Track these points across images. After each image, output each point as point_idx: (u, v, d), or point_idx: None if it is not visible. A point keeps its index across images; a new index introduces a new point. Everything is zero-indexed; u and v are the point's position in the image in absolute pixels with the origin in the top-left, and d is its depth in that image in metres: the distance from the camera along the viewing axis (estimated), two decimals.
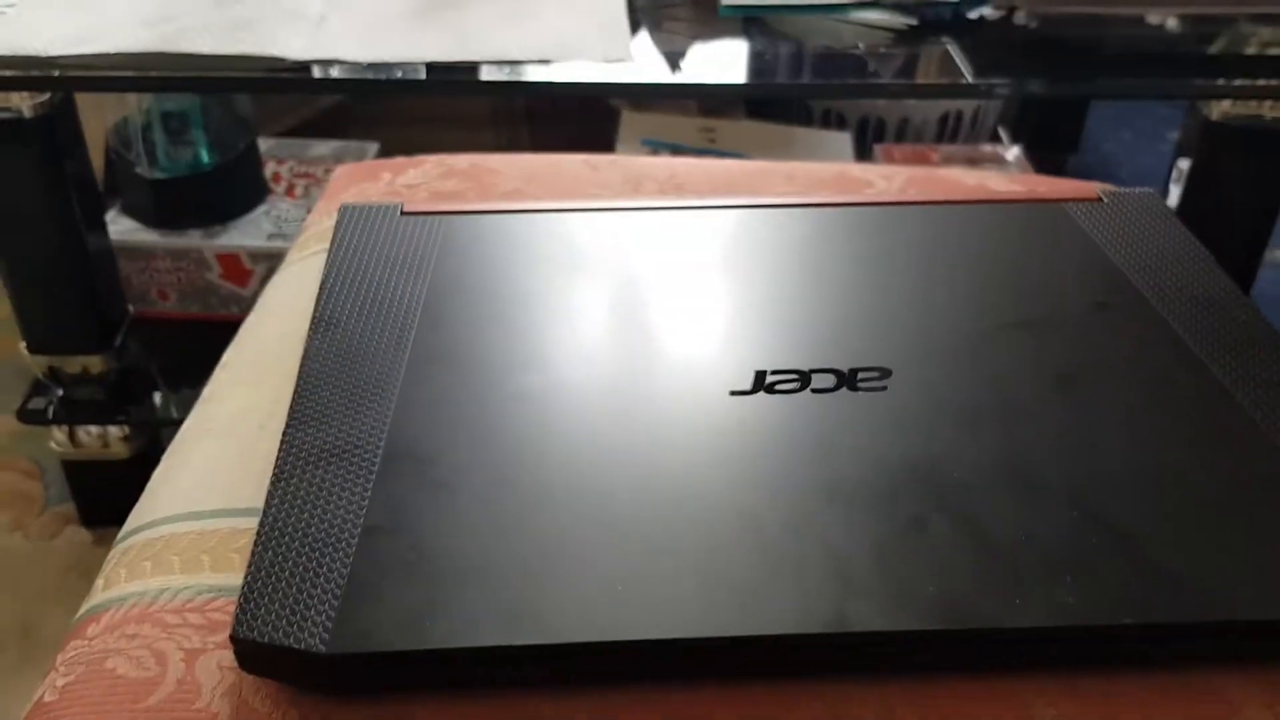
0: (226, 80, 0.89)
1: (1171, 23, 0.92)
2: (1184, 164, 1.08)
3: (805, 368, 0.45)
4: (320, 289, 0.49)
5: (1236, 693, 0.36)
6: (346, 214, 0.54)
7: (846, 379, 0.44)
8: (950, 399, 0.44)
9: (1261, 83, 0.85)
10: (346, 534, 0.38)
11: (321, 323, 0.47)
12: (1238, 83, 0.86)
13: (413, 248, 0.52)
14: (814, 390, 0.44)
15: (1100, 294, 0.50)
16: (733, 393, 0.44)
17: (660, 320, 0.48)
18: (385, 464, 0.40)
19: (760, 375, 0.44)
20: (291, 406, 0.43)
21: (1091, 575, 0.36)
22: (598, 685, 0.36)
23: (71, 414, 0.99)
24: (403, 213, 0.54)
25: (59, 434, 1.01)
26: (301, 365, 0.45)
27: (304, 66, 0.80)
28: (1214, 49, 0.90)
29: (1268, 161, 0.95)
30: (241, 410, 0.49)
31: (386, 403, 0.43)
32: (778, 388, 0.44)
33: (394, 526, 0.38)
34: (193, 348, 1.15)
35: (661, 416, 0.43)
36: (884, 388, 0.44)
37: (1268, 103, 0.93)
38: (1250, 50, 0.89)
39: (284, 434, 0.42)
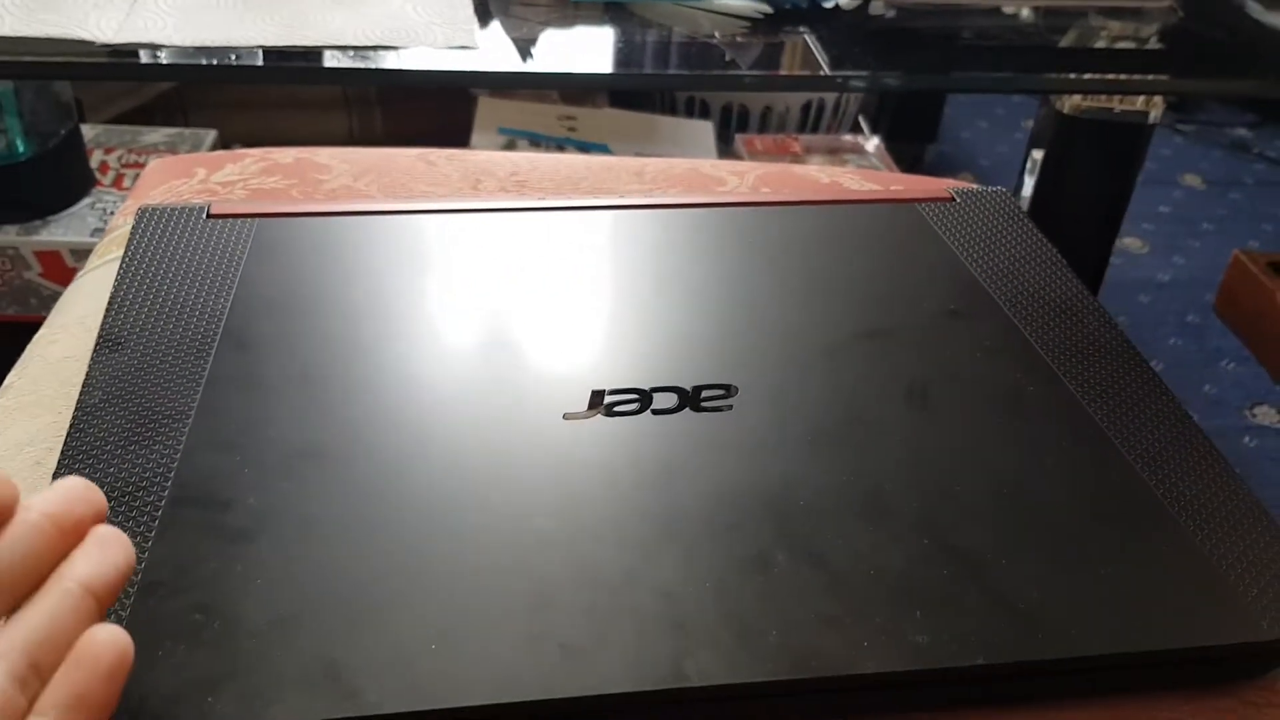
0: (33, 66, 0.81)
1: (1025, 14, 0.92)
2: (1038, 154, 1.09)
3: (646, 386, 0.42)
4: (109, 303, 0.44)
5: None
6: (145, 216, 0.49)
7: (689, 398, 0.41)
8: (798, 418, 0.41)
9: (1110, 77, 0.86)
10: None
11: (106, 342, 0.42)
12: (1088, 78, 0.86)
13: (218, 255, 0.47)
14: (654, 411, 0.41)
15: (952, 300, 0.48)
16: (567, 416, 0.40)
17: (489, 336, 0.44)
18: (170, 509, 0.35)
19: (597, 395, 0.41)
20: (66, 440, 0.38)
21: (943, 611, 0.34)
22: None
23: None
24: (209, 215, 0.49)
25: None
26: (81, 392, 0.40)
27: (123, 50, 0.73)
28: (1065, 42, 0.91)
29: (1118, 153, 0.96)
30: (17, 444, 0.43)
31: (175, 437, 0.38)
32: (616, 409, 0.41)
33: (177, 583, 0.33)
34: (10, 353, 1.07)
35: (487, 446, 0.39)
36: (729, 407, 0.41)
37: (1117, 97, 0.94)
38: (1100, 44, 0.90)
39: (55, 473, 0.37)
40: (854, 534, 0.36)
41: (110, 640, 0.27)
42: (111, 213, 1.01)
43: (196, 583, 0.33)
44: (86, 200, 1.03)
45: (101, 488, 0.36)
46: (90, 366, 0.41)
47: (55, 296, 1.01)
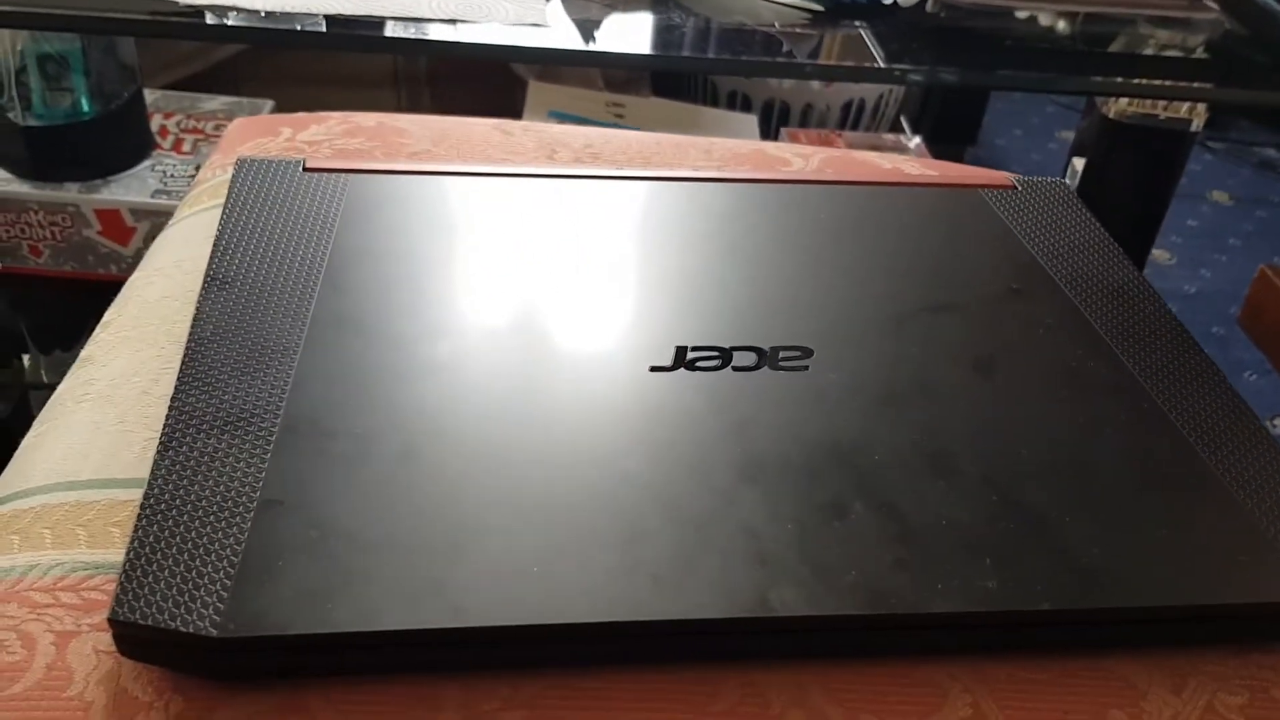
0: (111, 21, 0.84)
1: (1075, 19, 0.94)
2: (1079, 163, 1.10)
3: (726, 345, 0.44)
4: (214, 245, 0.46)
5: (1142, 678, 0.37)
6: (244, 167, 0.51)
7: (768, 357, 0.43)
8: (871, 381, 0.43)
9: (1158, 83, 0.88)
10: (241, 507, 0.35)
11: (215, 281, 0.44)
12: (1136, 82, 0.88)
13: (315, 206, 0.49)
14: (735, 368, 0.43)
15: (1014, 280, 0.50)
16: (653, 368, 0.42)
17: (578, 291, 0.46)
18: (284, 434, 0.38)
19: (681, 351, 0.43)
20: (181, 369, 0.40)
21: (1009, 560, 0.36)
22: (510, 670, 0.34)
23: None
24: (305, 169, 0.51)
25: None
26: (193, 325, 0.42)
27: (195, 12, 0.76)
28: (1114, 47, 0.92)
29: (1159, 160, 0.98)
30: (124, 373, 0.46)
31: (286, 368, 0.40)
32: (699, 364, 0.43)
33: (293, 501, 0.36)
34: (67, 308, 1.09)
35: (580, 390, 0.41)
36: (805, 367, 0.43)
37: (1162, 103, 0.96)
38: (1149, 50, 0.92)
39: (173, 398, 0.39)
40: (925, 488, 0.39)
41: None
42: (172, 175, 1.03)
43: (311, 502, 0.36)
44: (147, 162, 1.05)
45: (218, 414, 0.39)
46: (200, 303, 0.43)
47: (112, 255, 1.04)
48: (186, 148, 1.09)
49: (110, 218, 1.01)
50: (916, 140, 1.27)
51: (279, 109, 1.20)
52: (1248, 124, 1.90)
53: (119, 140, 1.04)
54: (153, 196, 1.01)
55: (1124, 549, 0.37)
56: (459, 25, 0.78)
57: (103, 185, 1.02)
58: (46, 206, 1.01)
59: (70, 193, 1.01)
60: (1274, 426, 1.26)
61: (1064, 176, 1.14)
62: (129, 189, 1.02)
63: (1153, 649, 0.38)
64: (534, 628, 0.33)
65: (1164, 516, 0.39)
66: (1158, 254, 1.55)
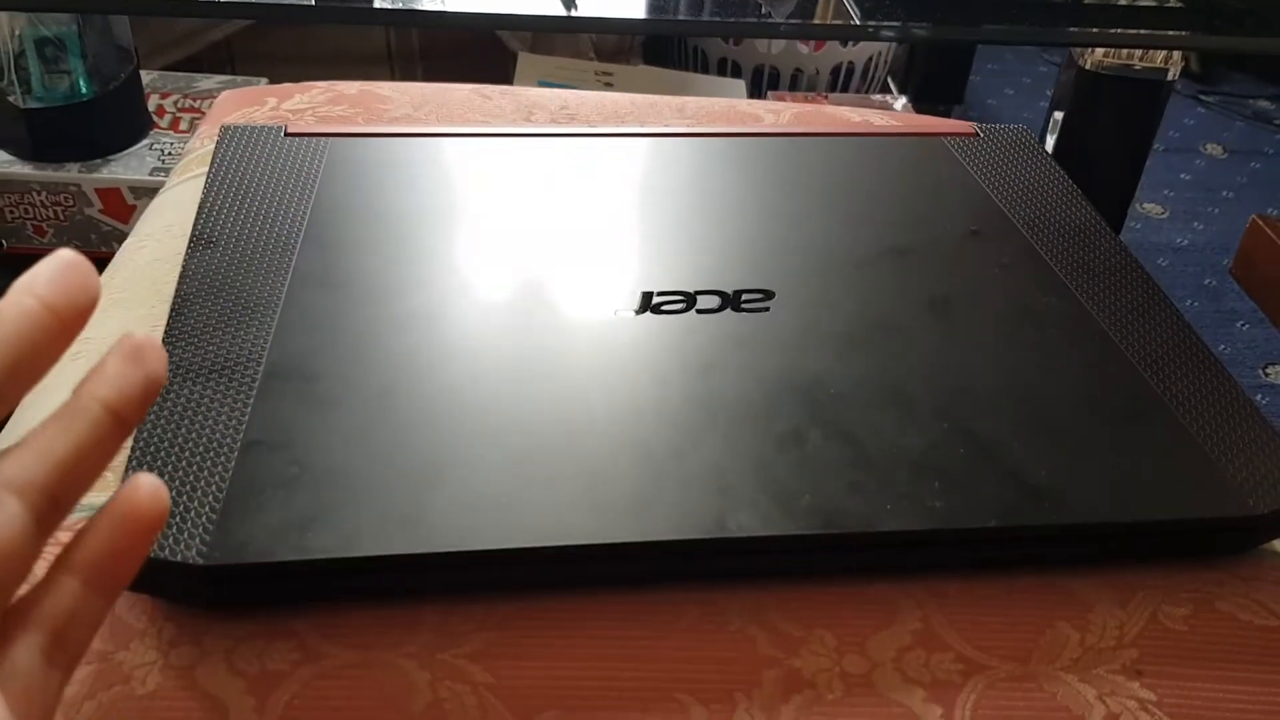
0: (104, 0, 0.86)
1: None
2: (1059, 116, 1.11)
3: (691, 289, 0.45)
4: (199, 208, 0.48)
5: (1089, 593, 0.39)
6: (228, 134, 0.53)
7: (730, 300, 0.45)
8: (829, 320, 0.45)
9: (1133, 32, 0.89)
10: (225, 448, 0.37)
11: (200, 241, 0.46)
12: (1114, 31, 0.89)
13: (296, 169, 0.51)
14: (699, 311, 0.45)
15: (973, 222, 0.51)
16: (618, 312, 0.44)
17: (550, 242, 0.48)
18: (266, 381, 0.40)
19: (647, 296, 0.45)
20: (168, 323, 0.42)
21: (958, 482, 0.38)
22: (483, 594, 0.36)
23: None
24: (286, 134, 0.53)
25: None
26: (179, 283, 0.44)
27: None
28: None
29: (1137, 110, 0.99)
30: (115, 332, 0.47)
31: (267, 321, 0.42)
32: (664, 308, 0.45)
33: (275, 441, 0.37)
34: None
35: (549, 336, 0.43)
36: (766, 309, 0.45)
37: (1139, 53, 0.97)
38: (1123, 0, 0.92)
39: None
40: (879, 419, 0.40)
41: (152, 496, 0.23)
42: (170, 153, 1.05)
43: (291, 442, 0.38)
44: (145, 141, 1.07)
45: (203, 363, 0.40)
46: (185, 261, 0.45)
47: (114, 233, 1.06)
48: (184, 126, 1.11)
49: (111, 196, 1.03)
50: (903, 100, 1.28)
51: None
52: (1241, 76, 1.90)
53: (117, 120, 1.06)
54: (151, 174, 1.03)
55: (1071, 470, 0.39)
56: None
57: (103, 165, 1.04)
58: (48, 187, 1.03)
59: (71, 173, 1.03)
60: (1266, 375, 1.27)
61: (1045, 129, 1.15)
62: (128, 167, 1.04)
63: (1100, 565, 0.39)
64: (503, 552, 0.35)
65: (1111, 440, 0.41)
66: (1150, 208, 1.56)
